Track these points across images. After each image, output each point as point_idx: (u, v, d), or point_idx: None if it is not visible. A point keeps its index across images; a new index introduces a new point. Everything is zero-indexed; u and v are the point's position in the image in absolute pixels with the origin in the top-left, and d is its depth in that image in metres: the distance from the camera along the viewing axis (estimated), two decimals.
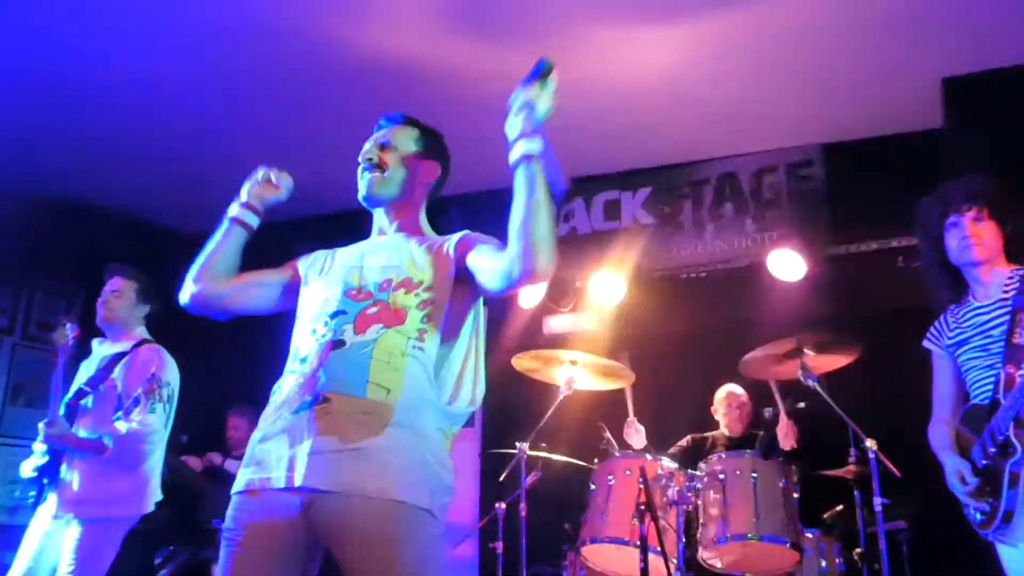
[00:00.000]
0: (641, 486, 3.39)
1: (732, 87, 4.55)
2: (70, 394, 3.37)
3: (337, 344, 1.83)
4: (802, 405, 4.05)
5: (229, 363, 5.45)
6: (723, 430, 4.59)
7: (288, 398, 1.83)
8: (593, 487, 3.76)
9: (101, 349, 3.50)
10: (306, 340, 1.90)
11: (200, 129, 4.98)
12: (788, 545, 3.45)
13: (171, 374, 3.38)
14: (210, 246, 2.06)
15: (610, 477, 3.68)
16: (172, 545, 4.90)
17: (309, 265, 2.09)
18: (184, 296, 2.04)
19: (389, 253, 1.99)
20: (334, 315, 1.89)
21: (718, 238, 5.36)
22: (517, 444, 3.89)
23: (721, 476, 3.61)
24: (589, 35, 4.09)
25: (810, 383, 3.61)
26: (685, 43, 4.19)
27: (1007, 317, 2.51)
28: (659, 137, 5.11)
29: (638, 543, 3.33)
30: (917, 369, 2.85)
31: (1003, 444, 2.40)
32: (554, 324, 5.53)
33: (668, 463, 3.73)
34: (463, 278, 1.91)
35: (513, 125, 1.79)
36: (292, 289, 2.08)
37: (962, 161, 4.13)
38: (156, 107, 4.77)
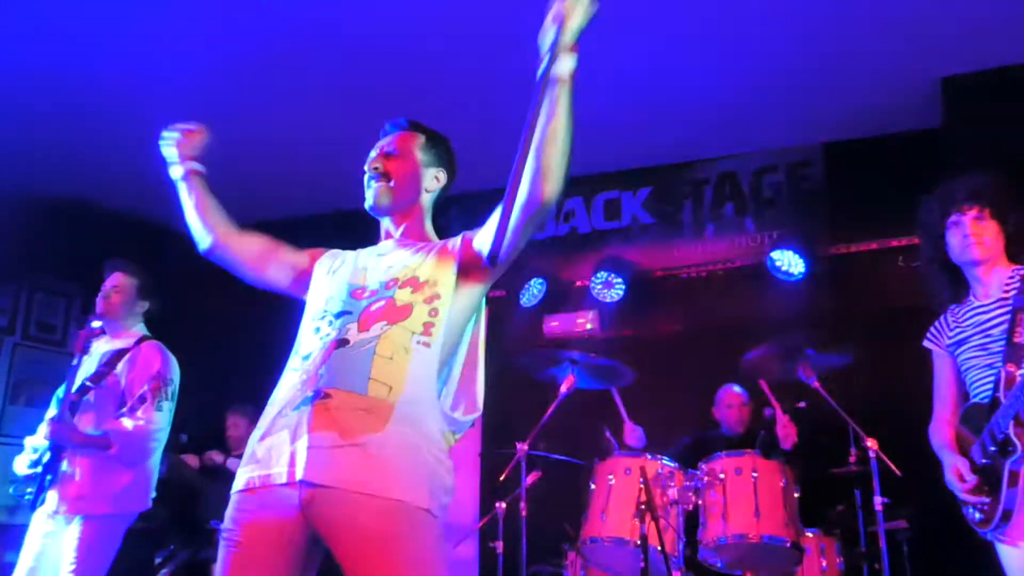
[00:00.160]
0: (642, 485, 3.39)
1: (732, 87, 4.55)
2: (73, 389, 3.37)
3: (341, 343, 1.82)
4: (802, 405, 4.06)
5: (229, 362, 5.45)
6: (723, 430, 4.59)
7: (290, 395, 1.82)
8: (593, 487, 3.75)
9: (100, 345, 3.50)
10: (310, 338, 1.90)
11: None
12: (788, 544, 3.44)
13: (174, 372, 3.40)
14: (189, 211, 2.15)
15: (610, 476, 3.68)
16: (172, 545, 4.90)
17: (323, 261, 2.09)
18: (203, 245, 2.14)
19: (395, 257, 1.99)
20: (339, 315, 1.89)
21: (718, 238, 5.37)
22: (517, 444, 3.89)
23: (721, 475, 3.61)
24: (589, 34, 4.08)
25: (810, 383, 3.61)
26: (686, 42, 4.19)
27: (1007, 316, 2.51)
28: (659, 137, 5.11)
29: (638, 543, 3.34)
30: (917, 369, 2.85)
31: (1003, 443, 2.40)
32: (554, 324, 5.53)
33: (668, 463, 3.72)
34: (467, 276, 1.91)
35: (546, 36, 1.74)
36: (303, 276, 2.09)
37: (961, 161, 4.14)
38: (156, 107, 4.76)
